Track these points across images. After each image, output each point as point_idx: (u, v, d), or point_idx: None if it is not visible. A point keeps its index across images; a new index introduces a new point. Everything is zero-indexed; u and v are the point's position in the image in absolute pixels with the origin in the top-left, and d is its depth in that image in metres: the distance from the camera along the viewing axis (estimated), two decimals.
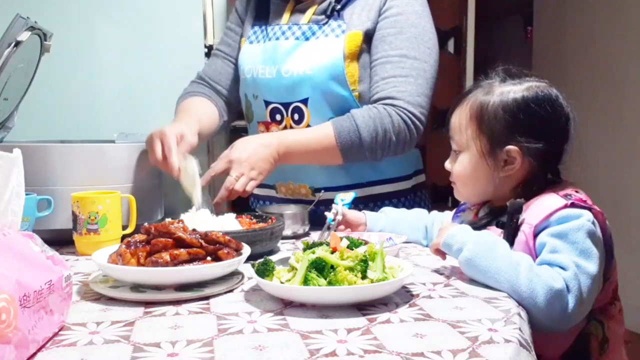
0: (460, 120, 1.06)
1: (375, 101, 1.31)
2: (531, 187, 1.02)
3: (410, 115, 1.29)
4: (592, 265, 0.90)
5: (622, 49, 3.14)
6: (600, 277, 0.93)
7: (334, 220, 1.22)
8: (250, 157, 1.23)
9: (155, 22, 1.65)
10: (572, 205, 0.93)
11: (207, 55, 1.69)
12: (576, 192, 0.99)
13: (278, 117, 1.38)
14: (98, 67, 1.64)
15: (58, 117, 1.62)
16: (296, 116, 1.36)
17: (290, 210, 1.33)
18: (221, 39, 1.55)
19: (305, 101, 1.34)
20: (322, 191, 1.38)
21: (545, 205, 0.95)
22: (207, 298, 0.84)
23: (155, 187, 1.32)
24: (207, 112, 1.43)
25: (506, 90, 1.03)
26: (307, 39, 1.35)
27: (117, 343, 0.67)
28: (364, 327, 0.72)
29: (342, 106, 1.33)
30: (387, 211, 1.28)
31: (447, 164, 1.11)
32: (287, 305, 0.81)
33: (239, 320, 0.75)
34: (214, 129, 1.46)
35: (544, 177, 1.03)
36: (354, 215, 1.25)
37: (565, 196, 0.96)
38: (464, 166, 1.07)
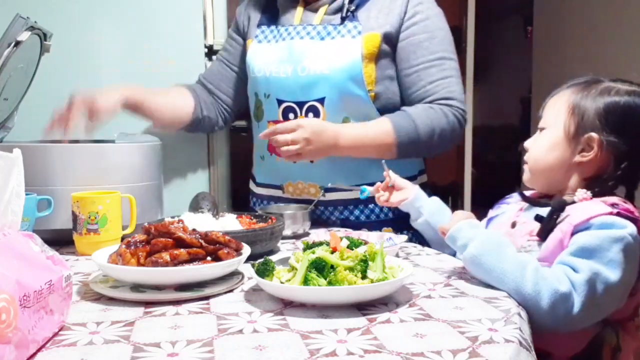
0: (560, 98, 1.08)
1: (431, 102, 1.36)
2: (596, 186, 1.01)
3: (463, 113, 1.38)
4: (613, 275, 0.89)
5: (622, 49, 3.14)
6: (624, 290, 0.93)
7: (370, 193, 1.29)
8: (316, 134, 1.28)
9: (155, 23, 1.65)
10: (618, 214, 0.93)
11: (207, 55, 1.69)
12: (624, 202, 0.98)
13: (291, 116, 1.39)
14: (98, 67, 1.64)
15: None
16: (310, 115, 1.37)
17: (290, 210, 1.34)
18: (223, 45, 1.61)
19: (321, 100, 1.35)
20: (323, 192, 1.38)
21: (590, 209, 0.95)
22: (207, 298, 0.84)
23: (155, 187, 1.32)
24: (175, 97, 1.50)
25: (612, 86, 1.04)
26: (322, 38, 1.37)
27: (117, 343, 0.67)
28: (364, 327, 0.73)
29: (358, 106, 1.36)
30: (436, 200, 1.29)
31: (527, 143, 1.12)
32: (287, 305, 0.81)
33: (239, 320, 0.75)
34: (178, 113, 1.50)
35: (611, 180, 1.02)
36: (402, 181, 1.28)
37: (612, 205, 0.95)
38: (543, 142, 1.08)
